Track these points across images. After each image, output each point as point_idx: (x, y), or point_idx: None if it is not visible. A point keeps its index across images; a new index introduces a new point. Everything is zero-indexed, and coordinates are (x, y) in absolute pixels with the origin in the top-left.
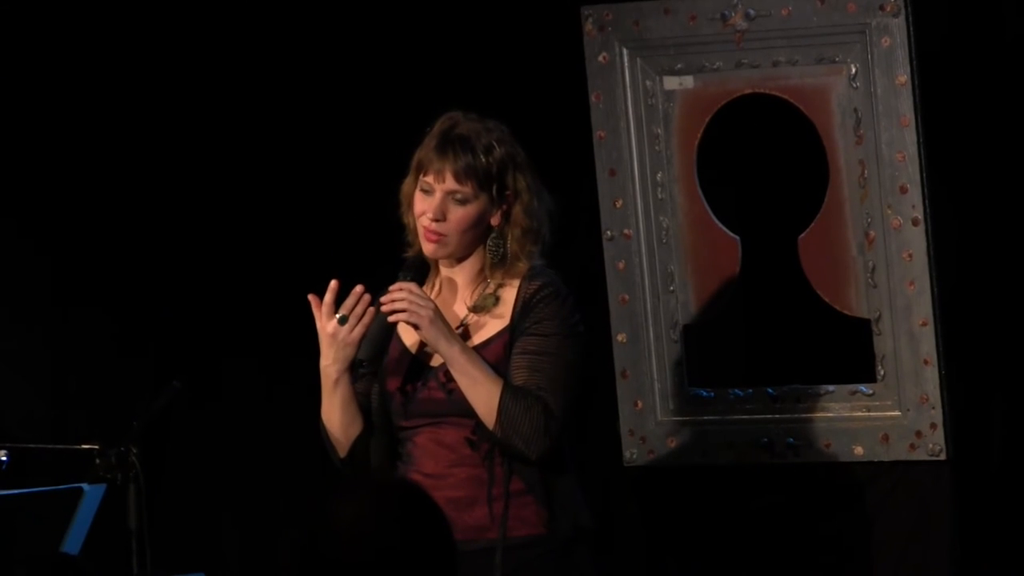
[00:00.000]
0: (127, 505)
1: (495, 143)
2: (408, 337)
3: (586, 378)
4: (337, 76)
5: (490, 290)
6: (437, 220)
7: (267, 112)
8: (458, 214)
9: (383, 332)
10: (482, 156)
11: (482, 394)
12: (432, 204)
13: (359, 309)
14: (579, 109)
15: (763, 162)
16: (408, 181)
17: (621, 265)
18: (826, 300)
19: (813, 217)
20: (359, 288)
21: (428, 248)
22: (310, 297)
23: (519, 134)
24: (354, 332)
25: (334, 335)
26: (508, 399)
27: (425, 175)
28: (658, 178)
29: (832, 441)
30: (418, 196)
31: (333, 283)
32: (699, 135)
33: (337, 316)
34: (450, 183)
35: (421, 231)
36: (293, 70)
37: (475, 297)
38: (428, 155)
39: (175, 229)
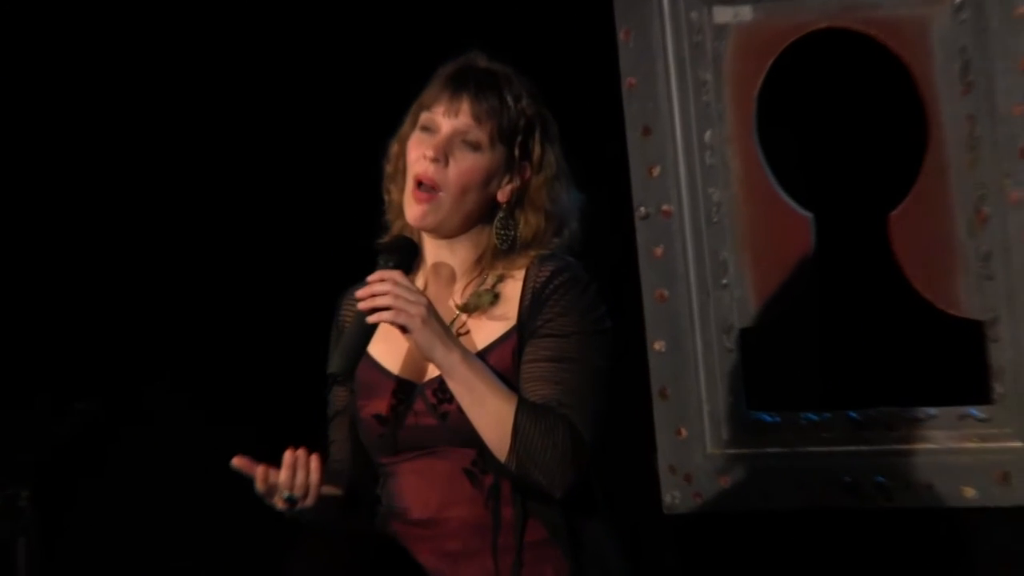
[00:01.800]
0: (15, 562)
1: (525, 94)
2: (383, 347)
3: (613, 390)
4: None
5: (487, 284)
6: (436, 161)
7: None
8: (464, 163)
9: (361, 336)
10: (509, 101)
11: (491, 415)
12: (433, 142)
13: (300, 478)
14: (604, 50)
15: (842, 118)
16: (403, 132)
17: (658, 251)
18: (926, 297)
19: (907, 189)
20: (289, 456)
21: (414, 212)
22: (236, 463)
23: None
24: (307, 500)
25: (287, 512)
26: (525, 420)
27: (430, 110)
28: (706, 138)
29: (935, 480)
30: (415, 140)
31: (260, 471)
32: (759, 83)
33: (284, 497)
34: (464, 119)
35: (410, 188)
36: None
37: (467, 293)
38: (437, 89)
39: (74, 240)
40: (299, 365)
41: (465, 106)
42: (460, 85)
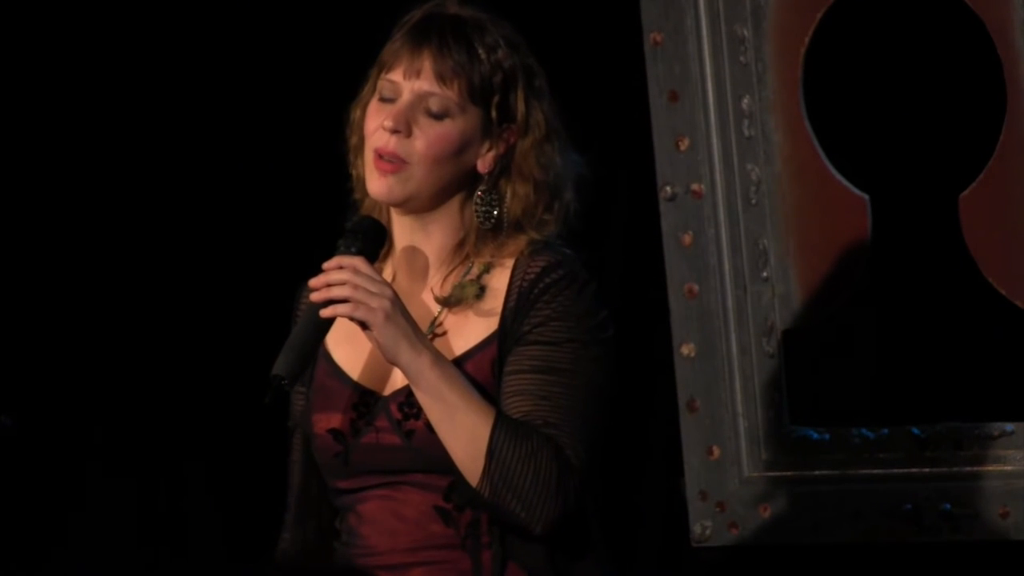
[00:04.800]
0: None
1: (503, 42)
2: (347, 350)
3: (614, 406)
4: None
5: (472, 274)
6: (397, 132)
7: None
8: (432, 132)
9: (312, 332)
10: (482, 53)
11: (463, 432)
12: (393, 110)
13: None
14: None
15: (903, 82)
16: (364, 95)
17: (687, 238)
18: (1001, 292)
19: (981, 166)
20: None
21: (378, 185)
22: None
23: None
24: None
25: None
26: (502, 439)
27: (389, 72)
28: (744, 105)
29: (1012, 509)
30: (373, 108)
31: None
32: (807, 40)
33: None
34: (426, 82)
35: (370, 159)
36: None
37: (448, 284)
38: (398, 44)
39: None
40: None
41: (427, 64)
42: (421, 38)
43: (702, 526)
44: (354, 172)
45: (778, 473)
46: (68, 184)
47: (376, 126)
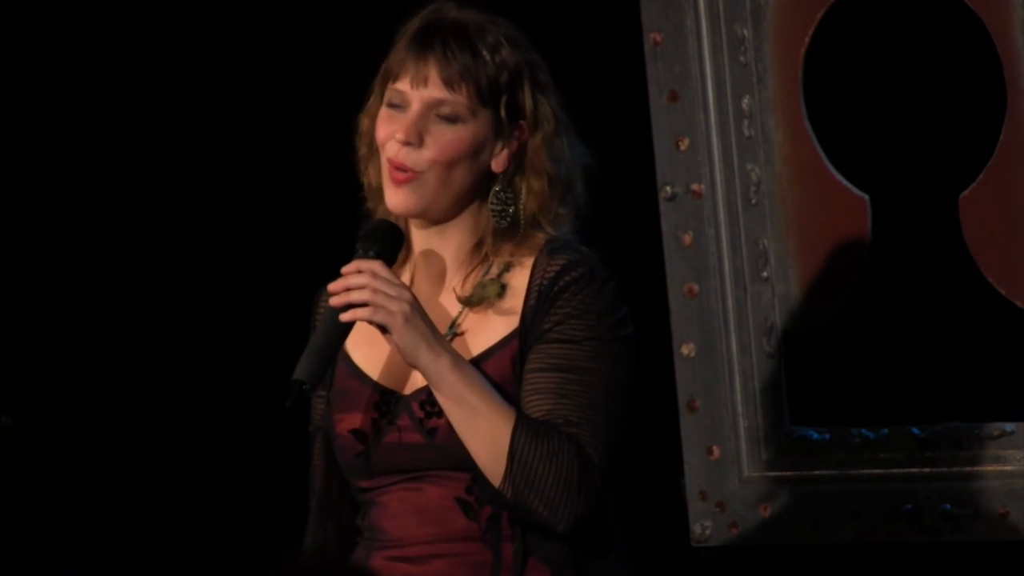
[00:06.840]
0: None
1: (505, 41)
2: (367, 351)
3: (635, 405)
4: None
5: (492, 273)
6: (409, 143)
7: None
8: (444, 138)
9: (333, 337)
10: (486, 54)
11: (484, 433)
12: (404, 121)
13: None
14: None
15: (904, 82)
16: (370, 105)
17: (687, 238)
18: (1001, 291)
19: (981, 166)
20: None
21: (395, 198)
22: None
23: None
24: None
25: None
26: (523, 440)
27: (396, 82)
28: (744, 105)
29: (1012, 509)
30: (383, 116)
31: None
32: (807, 40)
33: None
34: (435, 89)
35: (386, 170)
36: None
37: (469, 284)
38: (402, 52)
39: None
40: (264, 381)
41: (433, 72)
42: (425, 45)
43: (702, 526)
44: (364, 180)
45: (778, 473)
46: (70, 185)
47: (387, 136)
